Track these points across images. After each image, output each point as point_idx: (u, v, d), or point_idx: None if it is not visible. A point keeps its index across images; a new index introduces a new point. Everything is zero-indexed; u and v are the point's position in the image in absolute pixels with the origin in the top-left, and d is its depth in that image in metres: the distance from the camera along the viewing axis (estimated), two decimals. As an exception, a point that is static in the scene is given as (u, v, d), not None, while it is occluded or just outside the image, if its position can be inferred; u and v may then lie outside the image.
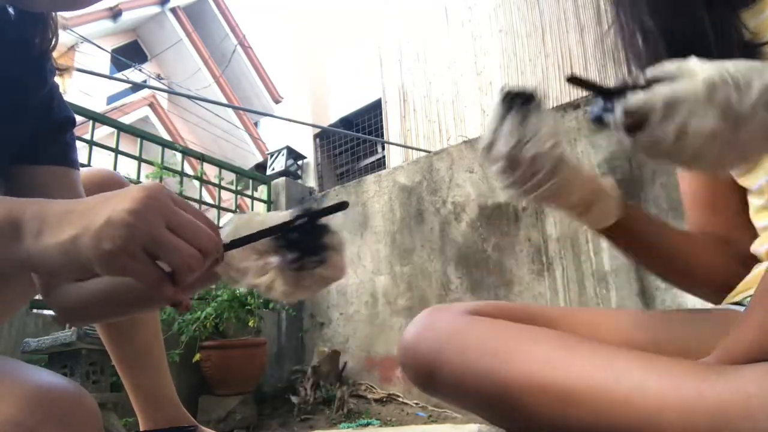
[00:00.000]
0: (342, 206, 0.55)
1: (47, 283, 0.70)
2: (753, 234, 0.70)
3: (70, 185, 0.73)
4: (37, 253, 0.43)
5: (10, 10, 0.70)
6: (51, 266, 0.44)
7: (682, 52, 0.51)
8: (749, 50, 0.59)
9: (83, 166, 2.48)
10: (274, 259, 0.55)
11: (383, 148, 5.65)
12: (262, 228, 0.54)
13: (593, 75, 3.85)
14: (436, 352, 0.55)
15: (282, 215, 0.57)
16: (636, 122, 0.48)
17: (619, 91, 0.50)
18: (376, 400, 2.59)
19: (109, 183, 0.93)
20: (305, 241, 0.55)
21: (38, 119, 0.73)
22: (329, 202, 3.25)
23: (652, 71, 0.50)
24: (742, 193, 0.73)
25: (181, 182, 2.92)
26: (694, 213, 0.78)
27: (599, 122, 0.52)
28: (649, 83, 0.49)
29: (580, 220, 0.66)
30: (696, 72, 0.47)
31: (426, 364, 0.56)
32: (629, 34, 0.67)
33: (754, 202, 0.71)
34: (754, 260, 0.70)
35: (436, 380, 0.55)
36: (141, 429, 1.13)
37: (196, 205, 2.99)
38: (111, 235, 0.41)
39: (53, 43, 0.75)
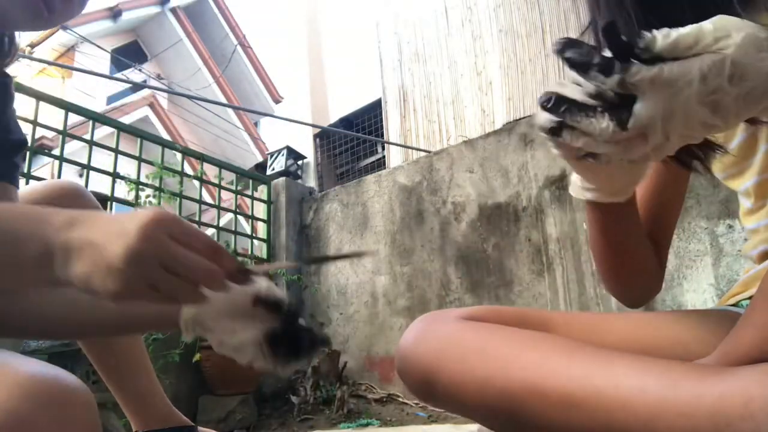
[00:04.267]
0: (358, 255, 0.61)
1: None
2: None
3: (9, 201, 0.77)
4: (66, 281, 0.48)
5: None
6: (80, 290, 0.48)
7: None
8: None
9: (83, 166, 2.49)
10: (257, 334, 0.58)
11: (383, 148, 5.65)
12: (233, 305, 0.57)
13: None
14: (434, 360, 0.55)
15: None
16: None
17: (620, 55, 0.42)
18: (376, 400, 2.59)
19: (70, 195, 0.97)
20: (296, 343, 0.59)
21: (1, 137, 0.77)
22: (329, 201, 3.26)
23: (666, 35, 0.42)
24: (681, 201, 0.78)
25: (181, 182, 2.92)
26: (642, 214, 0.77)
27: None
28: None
29: (608, 182, 0.59)
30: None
31: (424, 372, 0.56)
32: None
33: (743, 203, 0.71)
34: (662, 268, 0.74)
35: (435, 388, 0.55)
36: (134, 430, 1.12)
37: (196, 206, 3.00)
38: (112, 280, 0.46)
39: (12, 60, 0.79)
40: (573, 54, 0.43)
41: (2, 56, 0.76)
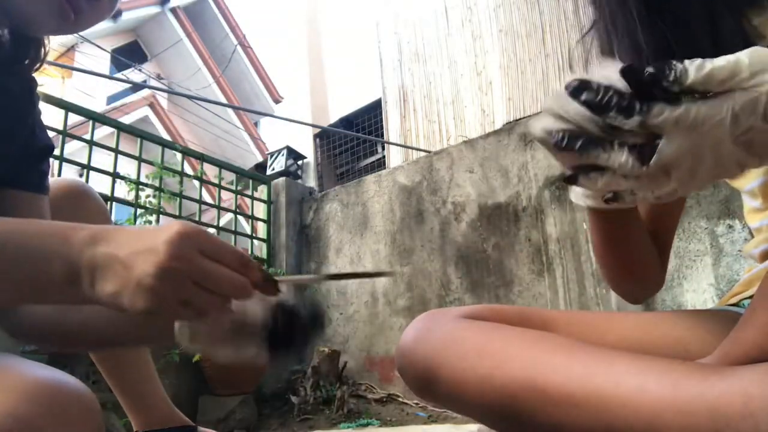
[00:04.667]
0: (380, 274, 0.61)
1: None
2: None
3: (40, 212, 0.76)
4: (93, 299, 0.47)
5: (5, 33, 0.72)
6: (107, 307, 0.48)
7: (679, 52, 0.49)
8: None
9: (83, 166, 2.49)
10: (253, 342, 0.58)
11: (383, 148, 5.65)
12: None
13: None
14: (434, 358, 0.55)
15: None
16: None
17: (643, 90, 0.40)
18: (376, 400, 2.59)
19: (77, 194, 0.97)
20: (292, 336, 0.58)
21: (26, 144, 0.75)
22: (329, 201, 3.26)
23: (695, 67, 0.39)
24: (683, 201, 0.77)
25: (180, 182, 2.92)
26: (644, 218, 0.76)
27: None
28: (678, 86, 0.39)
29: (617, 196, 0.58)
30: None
31: (424, 370, 0.56)
32: (613, 33, 0.58)
33: (748, 202, 0.71)
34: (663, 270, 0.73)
35: (435, 386, 0.55)
36: (135, 430, 1.12)
37: (196, 206, 3.00)
38: (142, 298, 0.45)
39: (40, 65, 0.78)
40: (589, 96, 0.40)
41: (32, 62, 0.75)
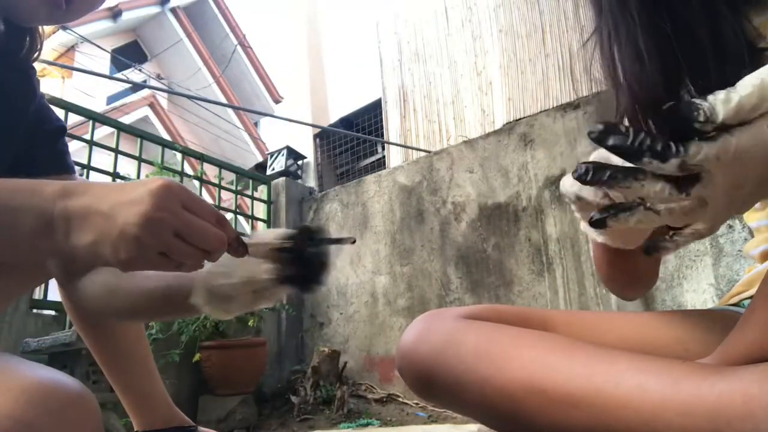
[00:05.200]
0: (349, 240, 0.60)
1: (66, 273, 0.70)
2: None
3: None
4: (67, 251, 0.48)
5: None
6: (82, 262, 0.49)
7: (681, 56, 0.49)
8: (755, 54, 0.56)
9: (83, 166, 2.49)
10: (271, 278, 0.58)
11: (383, 148, 5.64)
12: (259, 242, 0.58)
13: (594, 75, 3.84)
14: (434, 359, 0.55)
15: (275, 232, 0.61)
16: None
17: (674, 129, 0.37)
18: (376, 400, 2.59)
19: None
20: (306, 261, 0.59)
21: (33, 129, 0.76)
22: (329, 201, 3.26)
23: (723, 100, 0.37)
24: None
25: (180, 182, 2.91)
26: None
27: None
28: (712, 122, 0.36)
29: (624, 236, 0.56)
30: None
31: (424, 370, 0.56)
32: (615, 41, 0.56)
33: None
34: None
35: (435, 386, 0.55)
36: (136, 430, 1.12)
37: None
38: (125, 247, 0.46)
39: (37, 55, 0.78)
40: (618, 141, 0.37)
41: (28, 52, 0.75)
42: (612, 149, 0.38)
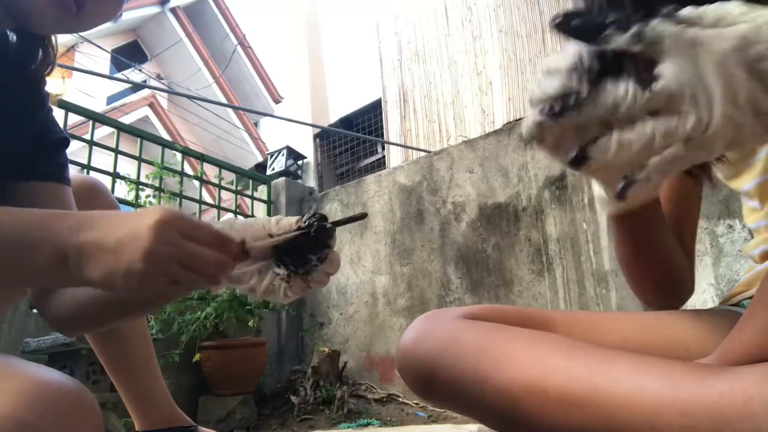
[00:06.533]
0: (362, 216, 0.61)
1: (39, 293, 0.70)
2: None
3: (63, 201, 0.78)
4: (83, 282, 0.51)
5: (12, 35, 0.72)
6: (97, 289, 0.52)
7: None
8: None
9: (83, 166, 2.49)
10: (272, 265, 0.58)
11: (383, 148, 5.65)
12: (262, 231, 0.58)
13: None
14: (434, 359, 0.55)
15: (279, 220, 0.60)
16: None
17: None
18: (376, 400, 2.59)
19: (95, 192, 1.02)
20: (308, 245, 0.58)
21: (36, 139, 0.77)
22: (329, 201, 3.26)
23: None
24: (700, 199, 0.76)
25: (181, 182, 2.92)
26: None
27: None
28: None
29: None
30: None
31: (424, 370, 0.56)
32: None
33: (746, 202, 0.71)
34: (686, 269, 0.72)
35: (435, 386, 0.55)
36: (137, 430, 1.13)
37: (196, 206, 3.00)
38: (134, 280, 0.49)
39: (51, 68, 0.79)
40: (580, 20, 0.37)
41: (43, 63, 0.76)
42: (576, 32, 0.37)
